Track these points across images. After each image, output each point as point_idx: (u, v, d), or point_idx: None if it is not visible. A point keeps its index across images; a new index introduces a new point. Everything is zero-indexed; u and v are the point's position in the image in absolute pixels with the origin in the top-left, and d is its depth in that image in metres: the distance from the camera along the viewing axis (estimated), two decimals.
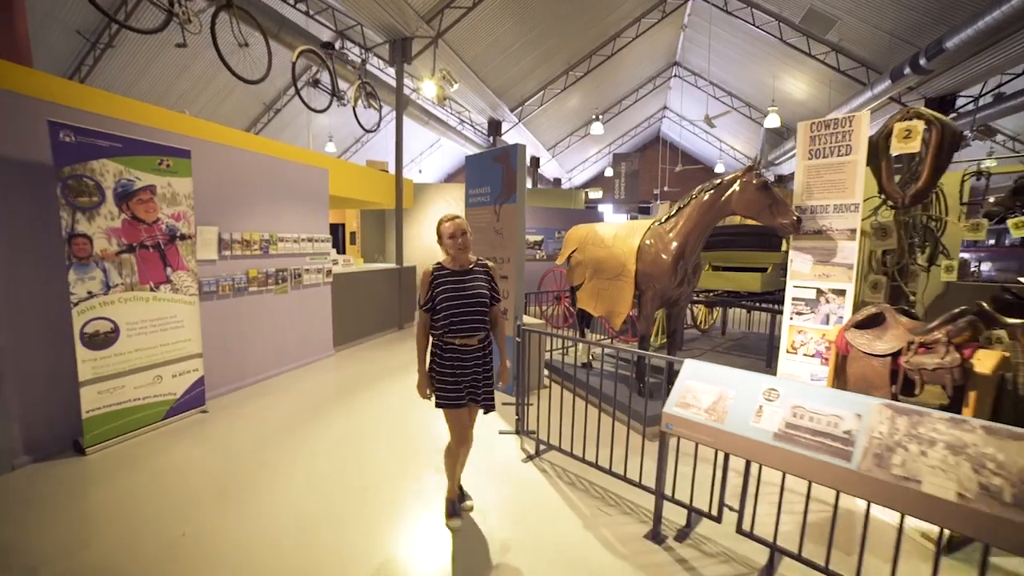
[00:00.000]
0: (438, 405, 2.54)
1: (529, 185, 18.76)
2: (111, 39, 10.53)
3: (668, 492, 2.73)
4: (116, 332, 3.62)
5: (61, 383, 3.42)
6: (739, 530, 2.45)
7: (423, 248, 12.20)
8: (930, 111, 3.26)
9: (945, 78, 9.43)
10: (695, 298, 6.36)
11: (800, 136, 3.69)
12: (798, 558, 2.25)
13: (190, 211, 4.14)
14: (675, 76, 18.20)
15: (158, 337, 3.94)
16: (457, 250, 2.50)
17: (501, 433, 3.96)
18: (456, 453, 2.65)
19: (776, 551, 2.35)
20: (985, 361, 2.45)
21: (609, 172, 19.94)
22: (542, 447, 3.65)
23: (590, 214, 15.67)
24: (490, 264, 2.63)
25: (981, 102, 10.47)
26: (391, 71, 11.58)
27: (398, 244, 8.20)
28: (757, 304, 5.64)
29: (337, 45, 11.80)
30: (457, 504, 2.77)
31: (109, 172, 3.51)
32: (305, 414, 4.35)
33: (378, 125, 7.73)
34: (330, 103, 6.36)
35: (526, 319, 5.07)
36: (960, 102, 10.83)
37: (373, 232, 13.01)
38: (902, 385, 2.73)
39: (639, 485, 2.89)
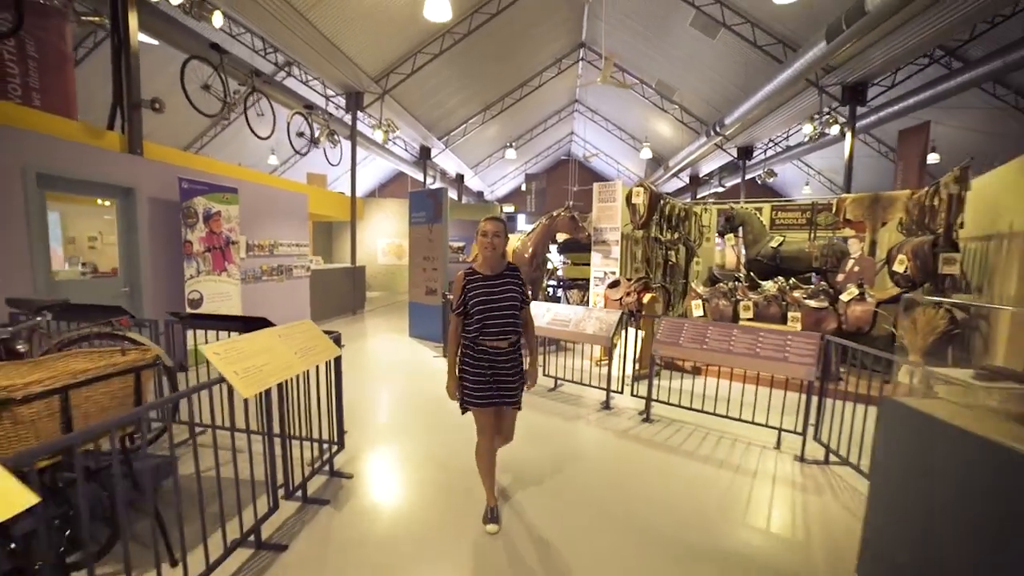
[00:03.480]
0: (464, 406, 2.62)
1: (455, 198, 21.66)
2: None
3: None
4: (202, 299, 6.06)
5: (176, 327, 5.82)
6: (544, 374, 5.55)
7: (363, 252, 14.69)
8: (648, 182, 6.62)
9: (743, 136, 13.65)
10: (569, 285, 9.64)
11: (595, 191, 6.95)
12: (569, 381, 5.37)
13: (237, 226, 6.61)
14: (576, 111, 22.04)
15: (220, 305, 6.38)
16: (483, 248, 2.56)
17: (434, 356, 6.85)
18: (485, 454, 2.69)
19: (557, 380, 5.46)
20: (646, 298, 5.76)
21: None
22: None
23: (507, 225, 18.83)
24: (520, 269, 2.72)
25: (769, 152, 14.98)
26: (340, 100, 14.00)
27: (352, 249, 10.78)
28: None
29: (279, 78, 14.08)
30: (497, 511, 2.79)
31: (201, 204, 5.97)
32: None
33: (340, 160, 10.26)
34: (309, 147, 8.89)
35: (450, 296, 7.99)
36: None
37: (321, 238, 15.27)
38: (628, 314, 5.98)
39: None
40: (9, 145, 4.33)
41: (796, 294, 5.99)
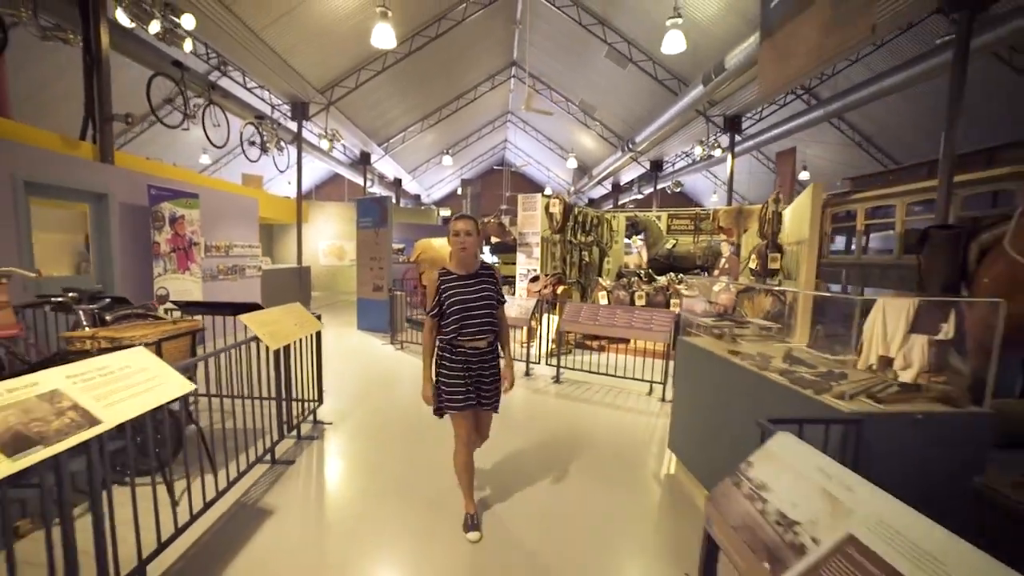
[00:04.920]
0: (440, 410, 2.59)
1: (394, 201, 22.32)
2: None
3: None
4: (168, 296, 6.66)
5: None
6: None
7: (305, 253, 15.13)
8: (563, 196, 8.01)
9: (653, 152, 15.65)
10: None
11: (520, 201, 8.24)
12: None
13: (199, 229, 7.22)
14: (509, 121, 23.50)
15: (184, 299, 6.97)
16: (455, 248, 2.51)
17: (383, 344, 7.83)
18: (464, 463, 2.65)
19: None
20: (560, 289, 7.12)
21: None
22: (398, 346, 7.61)
23: (445, 228, 19.87)
24: (495, 266, 2.71)
25: (678, 165, 17.15)
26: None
27: (299, 251, 11.40)
28: None
29: (213, 77, 14.26)
30: (477, 518, 2.75)
31: (167, 209, 6.59)
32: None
33: (288, 167, 10.85)
34: (260, 155, 9.48)
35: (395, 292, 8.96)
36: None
37: (263, 240, 15.49)
38: (545, 303, 7.31)
39: None
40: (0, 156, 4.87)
41: (679, 286, 7.64)
